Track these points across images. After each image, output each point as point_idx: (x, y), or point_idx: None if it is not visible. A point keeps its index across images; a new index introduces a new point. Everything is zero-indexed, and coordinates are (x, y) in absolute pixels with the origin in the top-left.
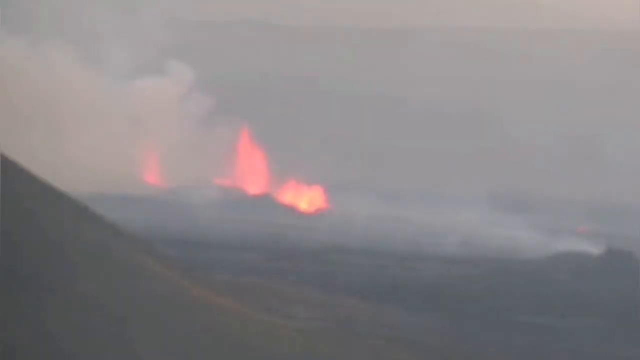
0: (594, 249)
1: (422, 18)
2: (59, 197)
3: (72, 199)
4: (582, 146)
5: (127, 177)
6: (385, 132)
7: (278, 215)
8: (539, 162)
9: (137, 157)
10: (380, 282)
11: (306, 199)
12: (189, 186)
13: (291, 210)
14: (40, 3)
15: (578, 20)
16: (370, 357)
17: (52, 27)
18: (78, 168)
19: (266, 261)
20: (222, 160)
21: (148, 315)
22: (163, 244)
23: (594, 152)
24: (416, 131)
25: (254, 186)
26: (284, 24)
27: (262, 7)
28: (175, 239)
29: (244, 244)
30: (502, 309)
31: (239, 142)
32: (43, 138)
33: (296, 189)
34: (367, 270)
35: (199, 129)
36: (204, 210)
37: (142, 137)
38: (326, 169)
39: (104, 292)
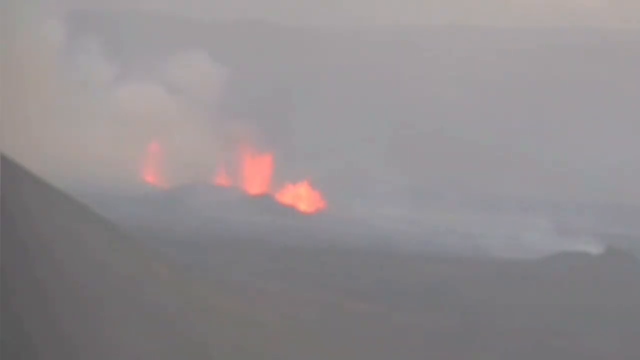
0: (594, 249)
1: (419, 19)
2: (59, 197)
3: (72, 199)
4: (583, 145)
5: (127, 177)
6: (386, 132)
7: (278, 215)
8: (540, 162)
9: (138, 156)
10: (381, 282)
11: (306, 198)
12: (189, 186)
13: (291, 210)
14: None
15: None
16: (370, 357)
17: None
18: (78, 168)
19: (266, 261)
20: (223, 160)
21: (148, 315)
22: (163, 244)
23: (595, 151)
24: (417, 131)
25: (254, 186)
26: (284, 24)
27: (262, 6)
28: (175, 239)
29: (244, 244)
30: (502, 309)
31: (239, 142)
32: (43, 138)
33: (296, 189)
34: (367, 270)
35: (199, 128)
36: (204, 210)
37: (142, 136)
38: (327, 169)
39: (104, 292)
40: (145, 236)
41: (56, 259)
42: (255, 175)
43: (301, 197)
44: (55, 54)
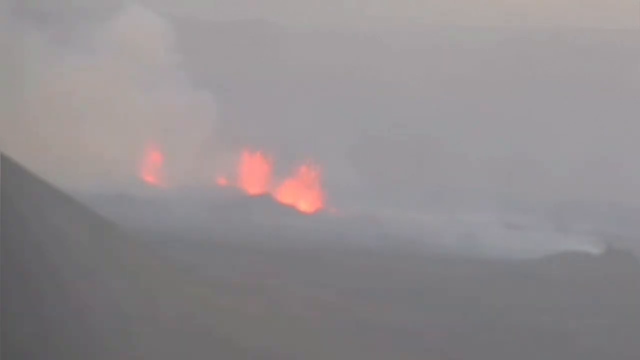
0: (594, 249)
1: (419, 18)
2: (59, 197)
3: (72, 199)
4: (584, 147)
5: (127, 177)
6: (386, 131)
7: (278, 215)
8: (540, 163)
9: (138, 156)
10: (381, 282)
11: (306, 199)
12: (189, 186)
13: (291, 210)
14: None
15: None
16: (370, 357)
17: (62, 25)
18: (78, 168)
19: (266, 261)
20: (222, 160)
21: (147, 315)
22: (163, 244)
23: (595, 152)
24: (417, 130)
25: (254, 186)
26: (284, 24)
27: (263, 7)
28: (175, 239)
29: (243, 244)
30: (502, 309)
31: (239, 142)
32: (43, 138)
33: (296, 189)
34: (367, 270)
35: (199, 128)
36: (204, 210)
37: (142, 136)
38: (326, 169)
39: (104, 291)
40: (146, 236)
41: (55, 258)
42: (255, 175)
43: (302, 196)
44: (60, 54)
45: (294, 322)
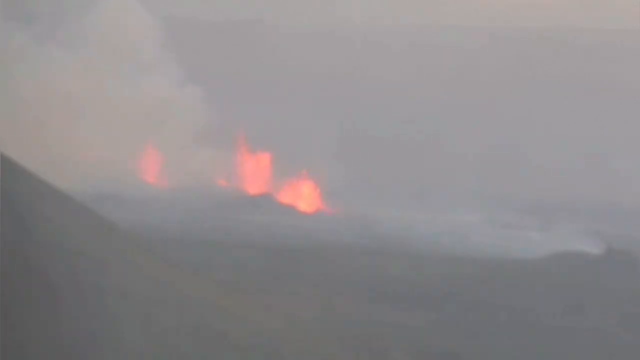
0: (594, 249)
1: (421, 17)
2: (59, 197)
3: (72, 199)
4: (584, 146)
5: (127, 177)
6: (386, 131)
7: (278, 215)
8: (540, 162)
9: (138, 156)
10: (380, 282)
11: (306, 199)
12: (189, 186)
13: (291, 210)
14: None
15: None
16: (370, 357)
17: (55, 24)
18: (78, 168)
19: (266, 261)
20: (222, 160)
21: (147, 316)
22: (163, 244)
23: (595, 152)
24: (417, 130)
25: (254, 186)
26: (283, 24)
27: (261, 7)
28: (175, 239)
29: (244, 244)
30: (502, 309)
31: (239, 142)
32: (43, 137)
33: (296, 189)
34: (367, 271)
35: (198, 128)
36: (204, 210)
37: (142, 136)
38: (326, 169)
39: (103, 292)
40: (146, 236)
41: (56, 259)
42: (255, 175)
43: (301, 196)
44: (57, 52)
45: (294, 322)
